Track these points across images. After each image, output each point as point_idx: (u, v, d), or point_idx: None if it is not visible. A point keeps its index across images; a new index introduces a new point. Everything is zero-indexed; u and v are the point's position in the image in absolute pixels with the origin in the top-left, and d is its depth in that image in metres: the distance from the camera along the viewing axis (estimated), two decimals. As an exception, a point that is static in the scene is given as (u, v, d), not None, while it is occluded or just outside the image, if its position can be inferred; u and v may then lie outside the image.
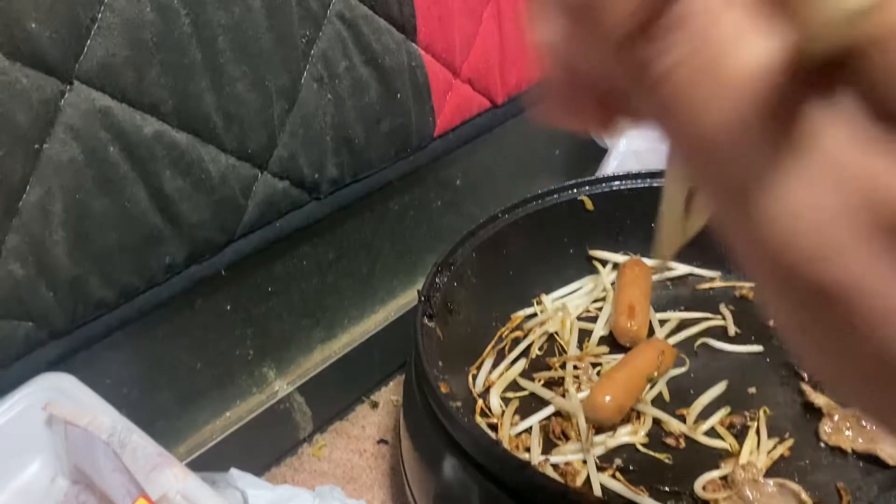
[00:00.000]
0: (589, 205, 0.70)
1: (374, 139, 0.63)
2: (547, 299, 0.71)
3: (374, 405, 0.76)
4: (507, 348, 0.67)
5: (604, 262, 0.74)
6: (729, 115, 0.13)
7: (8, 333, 0.46)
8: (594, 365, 0.64)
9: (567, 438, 0.57)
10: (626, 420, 0.58)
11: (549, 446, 0.57)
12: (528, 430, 0.58)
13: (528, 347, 0.66)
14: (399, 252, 0.75)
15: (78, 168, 0.46)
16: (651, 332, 0.67)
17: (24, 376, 0.48)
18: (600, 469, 0.55)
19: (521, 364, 0.65)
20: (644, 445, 0.57)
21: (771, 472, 0.54)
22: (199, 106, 0.50)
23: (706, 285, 0.72)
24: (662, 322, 0.68)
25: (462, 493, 0.49)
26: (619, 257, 0.73)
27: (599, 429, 0.57)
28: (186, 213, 0.52)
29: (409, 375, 0.58)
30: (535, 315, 0.70)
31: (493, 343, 0.67)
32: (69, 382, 0.49)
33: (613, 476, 0.54)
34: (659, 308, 0.70)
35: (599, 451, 0.56)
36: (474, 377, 0.63)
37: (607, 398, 0.55)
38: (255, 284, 0.63)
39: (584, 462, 0.55)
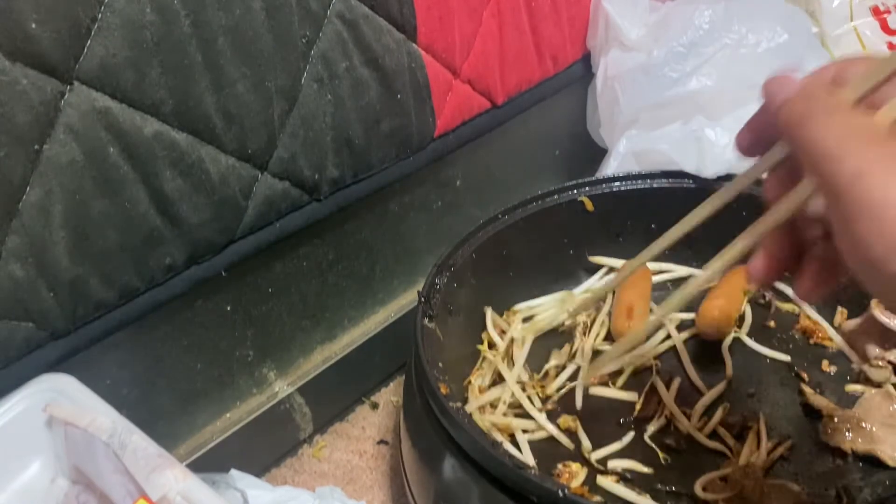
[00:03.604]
0: (589, 206, 0.70)
1: (375, 140, 0.63)
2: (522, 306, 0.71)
3: (375, 406, 0.76)
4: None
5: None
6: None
7: (8, 334, 0.46)
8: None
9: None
10: (647, 416, 0.59)
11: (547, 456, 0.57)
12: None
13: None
14: (399, 253, 0.75)
15: (78, 169, 0.46)
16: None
17: (24, 377, 0.48)
18: (600, 473, 0.55)
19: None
20: (645, 445, 0.57)
21: (771, 472, 0.54)
22: (200, 106, 0.50)
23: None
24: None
25: (462, 493, 0.49)
26: (620, 262, 0.73)
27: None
28: (186, 214, 0.52)
29: (408, 376, 0.58)
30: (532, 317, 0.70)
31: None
32: (69, 383, 0.49)
33: (617, 482, 0.54)
34: (659, 309, 0.70)
35: (599, 454, 0.56)
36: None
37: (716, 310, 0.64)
38: (256, 285, 0.63)
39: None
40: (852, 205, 0.27)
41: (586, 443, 0.57)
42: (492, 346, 0.66)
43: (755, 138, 0.39)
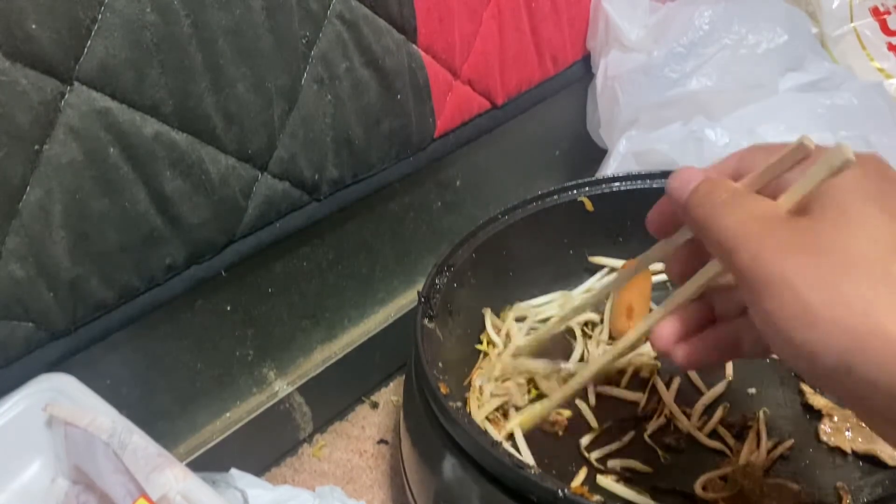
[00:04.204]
0: (589, 206, 0.70)
1: (375, 140, 0.63)
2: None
3: (375, 405, 0.76)
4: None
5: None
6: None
7: (8, 334, 0.46)
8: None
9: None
10: (645, 415, 0.59)
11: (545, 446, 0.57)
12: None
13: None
14: (399, 253, 0.75)
15: (78, 169, 0.46)
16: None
17: (24, 377, 0.48)
18: (600, 472, 0.55)
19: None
20: (645, 445, 0.57)
21: (771, 472, 0.54)
22: (200, 107, 0.50)
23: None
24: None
25: (462, 493, 0.49)
26: (620, 262, 0.73)
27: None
28: (186, 214, 0.52)
29: (409, 376, 0.58)
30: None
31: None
32: (69, 383, 0.49)
33: (617, 481, 0.54)
34: (659, 309, 0.70)
35: (599, 454, 0.56)
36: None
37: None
38: (256, 285, 0.63)
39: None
40: (754, 285, 0.30)
41: (586, 441, 0.57)
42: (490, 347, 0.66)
43: (664, 222, 0.42)
